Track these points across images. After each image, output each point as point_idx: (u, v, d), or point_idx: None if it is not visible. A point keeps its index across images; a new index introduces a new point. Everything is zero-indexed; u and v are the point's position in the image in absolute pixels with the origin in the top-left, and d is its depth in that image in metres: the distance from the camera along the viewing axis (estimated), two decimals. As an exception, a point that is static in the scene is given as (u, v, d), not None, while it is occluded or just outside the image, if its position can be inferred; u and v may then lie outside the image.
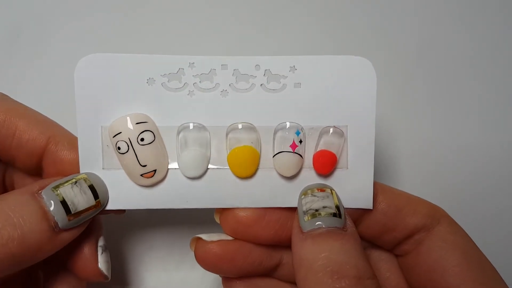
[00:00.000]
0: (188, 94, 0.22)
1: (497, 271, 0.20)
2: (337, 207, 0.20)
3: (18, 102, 0.22)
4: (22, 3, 0.32)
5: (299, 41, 0.32)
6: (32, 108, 0.22)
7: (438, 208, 0.22)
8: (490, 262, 0.21)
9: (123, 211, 0.22)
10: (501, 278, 0.20)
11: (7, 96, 0.22)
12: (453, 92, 0.32)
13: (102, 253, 0.22)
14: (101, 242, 0.22)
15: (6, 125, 0.21)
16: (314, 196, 0.20)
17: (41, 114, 0.22)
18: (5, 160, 0.22)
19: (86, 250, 0.21)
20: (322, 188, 0.21)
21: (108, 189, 0.22)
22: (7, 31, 0.32)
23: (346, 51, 0.32)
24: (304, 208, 0.20)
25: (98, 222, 0.23)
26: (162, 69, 0.22)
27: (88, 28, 0.32)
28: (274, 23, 0.33)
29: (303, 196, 0.21)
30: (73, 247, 0.21)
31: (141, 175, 0.21)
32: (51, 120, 0.22)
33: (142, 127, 0.21)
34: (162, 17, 0.33)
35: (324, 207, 0.20)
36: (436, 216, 0.21)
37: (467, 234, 0.21)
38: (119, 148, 0.21)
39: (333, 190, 0.21)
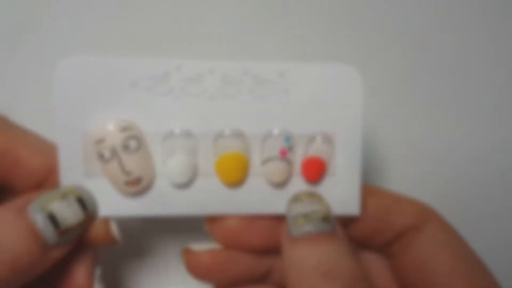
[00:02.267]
0: (174, 99, 0.21)
1: (488, 269, 0.21)
2: (326, 212, 0.20)
3: (17, 125, 0.21)
4: (22, 3, 0.31)
5: (294, 45, 0.32)
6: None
7: (427, 207, 0.22)
8: (481, 260, 0.21)
9: (116, 242, 0.21)
10: (493, 276, 0.21)
11: (6, 118, 0.21)
12: (450, 94, 0.32)
13: None
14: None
15: (10, 154, 0.20)
16: (303, 201, 0.21)
17: (41, 139, 0.21)
18: (5, 187, 0.21)
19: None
20: (310, 194, 0.21)
21: (91, 197, 0.21)
22: (7, 31, 0.30)
23: (345, 51, 0.32)
24: (293, 213, 0.20)
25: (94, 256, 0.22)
26: (147, 72, 0.21)
27: (88, 28, 0.31)
28: (268, 26, 0.32)
29: (291, 202, 0.21)
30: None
31: (126, 183, 0.20)
32: (52, 145, 0.21)
33: (127, 133, 0.20)
34: (162, 16, 0.32)
35: (313, 211, 0.20)
36: (425, 216, 0.22)
37: (457, 233, 0.22)
38: (102, 155, 0.20)
39: (322, 195, 0.21)
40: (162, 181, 0.21)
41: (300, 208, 0.20)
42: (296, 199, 0.21)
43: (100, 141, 0.20)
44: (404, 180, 0.31)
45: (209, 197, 0.21)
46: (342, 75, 0.22)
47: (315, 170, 0.21)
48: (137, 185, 0.21)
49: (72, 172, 0.21)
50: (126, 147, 0.20)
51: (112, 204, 0.21)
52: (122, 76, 0.21)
